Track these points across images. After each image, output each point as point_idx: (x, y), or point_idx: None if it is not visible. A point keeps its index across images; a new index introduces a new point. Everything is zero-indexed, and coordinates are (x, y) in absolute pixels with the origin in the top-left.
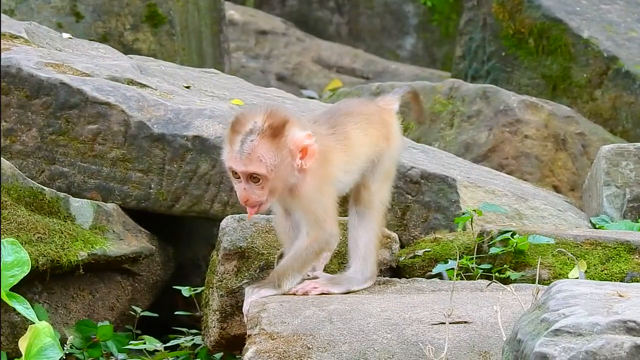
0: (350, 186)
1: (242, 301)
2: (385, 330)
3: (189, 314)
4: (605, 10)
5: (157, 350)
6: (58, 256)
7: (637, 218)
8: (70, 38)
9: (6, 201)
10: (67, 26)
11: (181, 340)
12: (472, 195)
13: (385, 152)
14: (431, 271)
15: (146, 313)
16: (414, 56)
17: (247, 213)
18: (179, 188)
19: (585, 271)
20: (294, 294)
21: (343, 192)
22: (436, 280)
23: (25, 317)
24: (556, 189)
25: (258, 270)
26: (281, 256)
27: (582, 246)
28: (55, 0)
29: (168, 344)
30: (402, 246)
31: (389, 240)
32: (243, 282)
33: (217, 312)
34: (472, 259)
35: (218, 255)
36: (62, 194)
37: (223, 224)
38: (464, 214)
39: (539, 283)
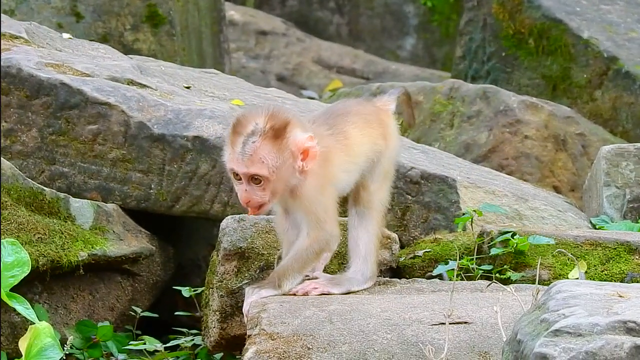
0: (350, 186)
1: (242, 301)
2: (385, 330)
3: (189, 314)
4: (605, 11)
5: (157, 351)
6: (58, 256)
7: (637, 218)
8: (70, 38)
9: (6, 201)
10: (67, 26)
11: (181, 341)
12: (472, 195)
13: (383, 151)
14: (431, 272)
15: (146, 313)
16: (414, 56)
17: (247, 213)
18: (179, 188)
19: (586, 272)
20: (294, 295)
21: (344, 193)
22: (436, 280)
23: (25, 318)
24: (556, 189)
25: (258, 270)
26: (280, 257)
27: (582, 247)
28: (56, 0)
29: (168, 345)
30: (402, 246)
31: (389, 240)
32: (243, 282)
33: (217, 313)
34: (472, 259)
35: (218, 255)
36: (62, 195)
37: (223, 224)
38: (464, 214)
39: (539, 283)
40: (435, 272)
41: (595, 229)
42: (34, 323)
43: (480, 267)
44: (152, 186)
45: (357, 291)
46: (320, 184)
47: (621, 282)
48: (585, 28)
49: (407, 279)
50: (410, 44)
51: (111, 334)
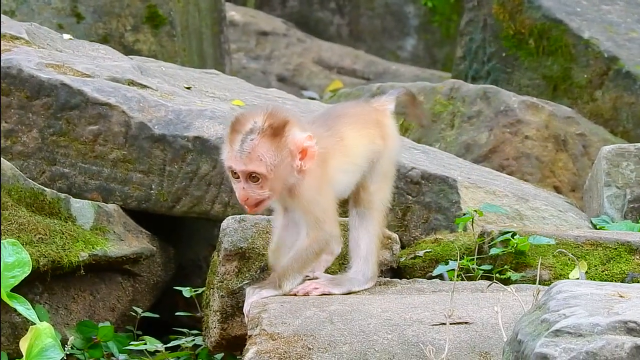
0: (350, 187)
1: (243, 302)
2: (386, 330)
3: (189, 314)
4: (605, 11)
5: (158, 351)
6: (59, 257)
7: (637, 219)
8: (70, 39)
9: (7, 202)
10: (68, 27)
11: (182, 341)
12: (472, 195)
13: (382, 151)
14: (432, 272)
15: (147, 314)
16: (415, 57)
17: (247, 213)
18: (179, 189)
19: (586, 272)
20: (295, 295)
21: (344, 194)
22: (437, 281)
23: (26, 318)
24: (557, 189)
25: (259, 271)
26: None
27: (582, 247)
28: (56, 1)
29: (169, 345)
30: (402, 247)
31: (389, 240)
32: (244, 282)
33: (218, 313)
34: (473, 259)
35: (219, 256)
36: (62, 195)
37: (224, 224)
38: (464, 214)
39: (539, 284)
40: (435, 273)
41: (596, 229)
42: (34, 323)
43: (481, 268)
44: (153, 187)
45: (358, 291)
46: (318, 184)
47: (622, 282)
48: (586, 28)
49: (408, 279)
50: (410, 44)
51: (112, 334)
